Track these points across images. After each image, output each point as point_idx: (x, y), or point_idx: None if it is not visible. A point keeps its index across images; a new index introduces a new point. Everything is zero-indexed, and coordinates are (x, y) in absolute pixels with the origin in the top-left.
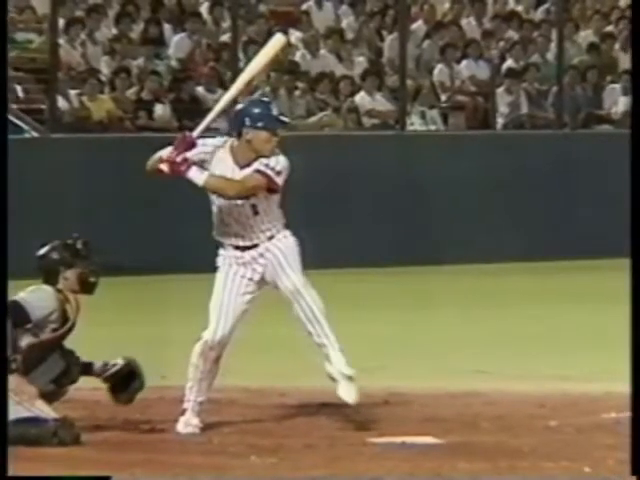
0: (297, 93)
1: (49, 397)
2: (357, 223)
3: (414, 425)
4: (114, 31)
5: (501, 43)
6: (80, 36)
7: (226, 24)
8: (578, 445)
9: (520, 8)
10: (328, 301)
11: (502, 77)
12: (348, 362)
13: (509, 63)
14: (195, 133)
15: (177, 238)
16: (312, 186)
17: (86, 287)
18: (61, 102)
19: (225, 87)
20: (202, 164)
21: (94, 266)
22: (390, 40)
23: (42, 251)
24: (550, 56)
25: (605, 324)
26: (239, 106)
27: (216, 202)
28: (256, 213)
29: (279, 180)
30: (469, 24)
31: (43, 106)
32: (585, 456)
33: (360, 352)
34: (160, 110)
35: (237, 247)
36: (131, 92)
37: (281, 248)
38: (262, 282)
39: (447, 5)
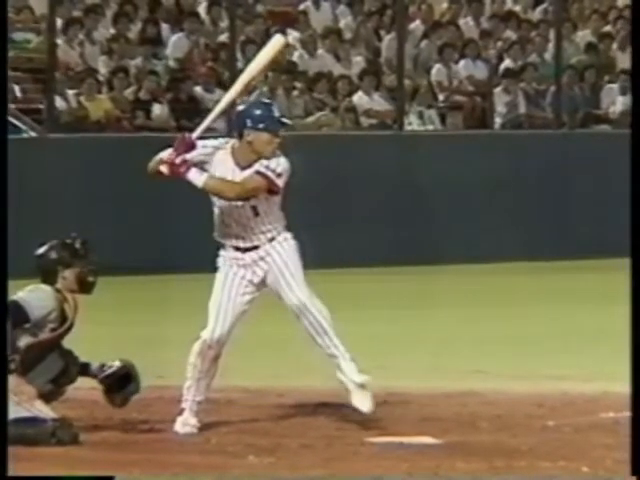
0: (295, 93)
1: (47, 397)
2: (355, 223)
3: (412, 425)
4: (112, 31)
5: (499, 43)
6: (78, 36)
7: (224, 24)
8: (576, 445)
9: (518, 8)
10: (327, 301)
11: (500, 77)
12: (360, 370)
13: (507, 63)
14: (195, 134)
15: (175, 238)
16: (310, 186)
17: (84, 287)
18: (59, 102)
19: (223, 87)
20: (202, 165)
21: (92, 266)
22: (388, 40)
23: (40, 250)
24: (548, 56)
25: (604, 324)
26: (240, 107)
27: (217, 203)
28: (256, 214)
29: (280, 182)
30: (467, 24)
31: (41, 106)
32: (583, 456)
33: (359, 352)
34: (158, 110)
35: (237, 248)
36: (129, 92)
37: (282, 255)
38: (262, 284)
39: (445, 5)
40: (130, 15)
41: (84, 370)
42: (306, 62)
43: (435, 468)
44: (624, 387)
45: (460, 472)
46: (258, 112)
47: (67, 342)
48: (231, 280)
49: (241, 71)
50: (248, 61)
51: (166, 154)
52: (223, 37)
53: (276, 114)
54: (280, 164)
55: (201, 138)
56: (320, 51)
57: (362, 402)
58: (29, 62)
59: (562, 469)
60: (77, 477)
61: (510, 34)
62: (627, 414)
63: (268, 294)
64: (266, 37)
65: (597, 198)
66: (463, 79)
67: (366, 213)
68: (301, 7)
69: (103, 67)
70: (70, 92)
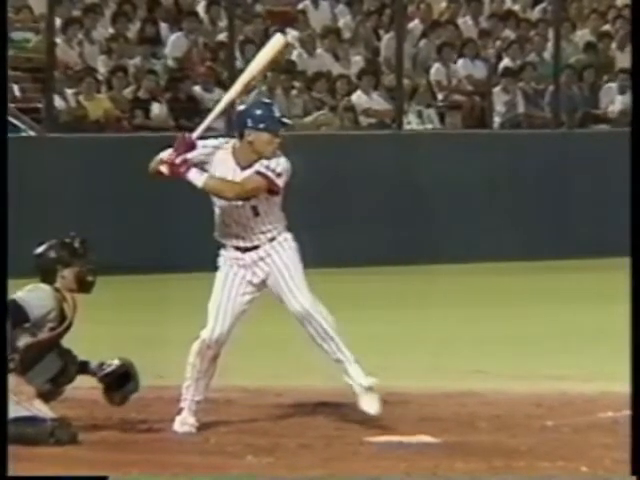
0: (294, 92)
1: (46, 396)
2: (354, 223)
3: (412, 425)
4: (111, 30)
5: (498, 42)
6: (77, 35)
7: (223, 23)
8: (575, 445)
9: (517, 7)
10: (326, 301)
11: (499, 76)
12: (366, 372)
13: (506, 62)
14: (195, 134)
15: (175, 237)
16: (309, 186)
17: (84, 286)
18: (58, 101)
19: (222, 86)
20: (202, 165)
21: (91, 265)
22: (387, 39)
23: (39, 250)
24: (547, 55)
25: (603, 324)
26: (241, 107)
27: (217, 203)
28: (257, 214)
29: (280, 182)
30: (466, 23)
31: (40, 105)
32: (582, 456)
33: (358, 352)
34: (157, 109)
35: (238, 248)
36: (128, 91)
37: (283, 258)
38: (262, 285)
39: (444, 4)
40: (129, 14)
41: (83, 368)
42: (305, 61)
43: (434, 468)
44: (623, 387)
45: (459, 472)
46: (259, 112)
47: (66, 341)
48: (231, 280)
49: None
50: (247, 61)
51: (166, 154)
52: (222, 36)
53: (277, 114)
54: (280, 164)
55: (201, 138)
56: (319, 50)
57: (370, 405)
58: (28, 61)
59: (561, 469)
60: (76, 477)
61: (509, 33)
62: (626, 414)
63: (268, 294)
64: (265, 36)
65: (596, 198)
66: (462, 78)
67: (365, 213)
68: (300, 6)
69: (102, 66)
70: (69, 91)
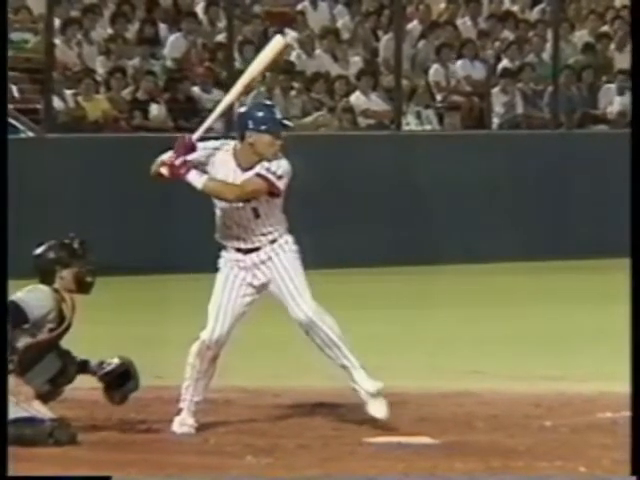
0: (292, 93)
1: (45, 397)
2: (352, 223)
3: (410, 425)
4: (109, 31)
5: (497, 43)
6: (76, 36)
7: (222, 24)
8: (573, 445)
9: (515, 8)
10: (325, 301)
11: (497, 77)
12: (372, 376)
13: (504, 63)
14: (195, 136)
15: (175, 238)
16: (307, 186)
17: (82, 287)
18: (56, 102)
19: (220, 87)
20: (202, 167)
21: (90, 266)
22: (385, 40)
23: (38, 250)
24: (546, 56)
25: (602, 324)
26: (242, 109)
27: (218, 205)
28: (257, 216)
29: (280, 184)
30: (464, 24)
31: (39, 106)
32: (580, 456)
33: (357, 352)
34: (155, 110)
35: (239, 250)
36: (126, 92)
37: (284, 263)
38: (262, 288)
39: (442, 5)
40: (128, 15)
41: (83, 367)
42: (304, 62)
43: (432, 468)
44: (621, 387)
45: (457, 472)
46: (260, 114)
47: (66, 342)
48: (232, 282)
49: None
50: (245, 61)
51: (167, 156)
52: (221, 37)
53: (278, 116)
54: (281, 166)
55: (201, 139)
56: (318, 51)
57: (378, 410)
58: (27, 62)
59: (559, 469)
60: (78, 477)
61: (508, 34)
62: (624, 414)
63: (268, 296)
64: (264, 37)
65: (595, 198)
66: (461, 79)
67: (364, 213)
68: (299, 7)
69: (101, 67)
70: (68, 92)
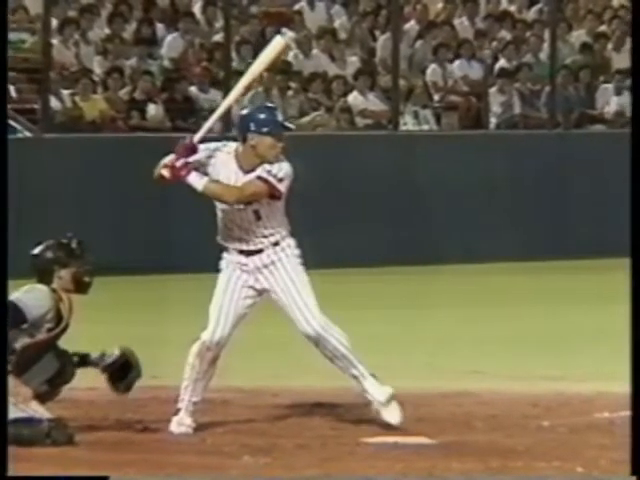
0: (290, 93)
1: (43, 397)
2: (350, 223)
3: (408, 425)
4: (107, 31)
5: (494, 43)
6: (73, 36)
7: (219, 24)
8: (571, 445)
9: (513, 8)
10: (325, 301)
11: (495, 77)
12: (382, 383)
13: (502, 63)
14: (196, 138)
15: (175, 238)
16: (304, 186)
17: (80, 286)
18: (54, 102)
19: (218, 87)
20: (203, 168)
21: (88, 265)
22: (383, 40)
23: (36, 250)
24: (543, 56)
25: (601, 324)
26: (244, 111)
27: (219, 207)
28: (259, 218)
29: (281, 187)
30: (462, 24)
31: (36, 106)
32: (578, 456)
33: (357, 351)
34: (153, 110)
35: (241, 252)
36: (124, 92)
37: (288, 269)
38: (264, 291)
39: (440, 5)
40: (125, 15)
41: (84, 361)
42: (301, 62)
43: (430, 468)
44: (619, 387)
45: (455, 472)
46: (262, 116)
47: (66, 341)
48: (234, 284)
49: (236, 71)
50: (243, 61)
51: (168, 158)
52: (218, 37)
53: (279, 118)
54: (282, 169)
55: (202, 141)
56: (315, 51)
57: (391, 416)
58: (24, 62)
59: (557, 469)
60: (77, 477)
61: (505, 34)
62: (622, 414)
63: (273, 305)
64: (261, 37)
65: (594, 198)
66: (458, 79)
67: (362, 213)
68: (296, 7)
69: (98, 67)
70: (65, 92)
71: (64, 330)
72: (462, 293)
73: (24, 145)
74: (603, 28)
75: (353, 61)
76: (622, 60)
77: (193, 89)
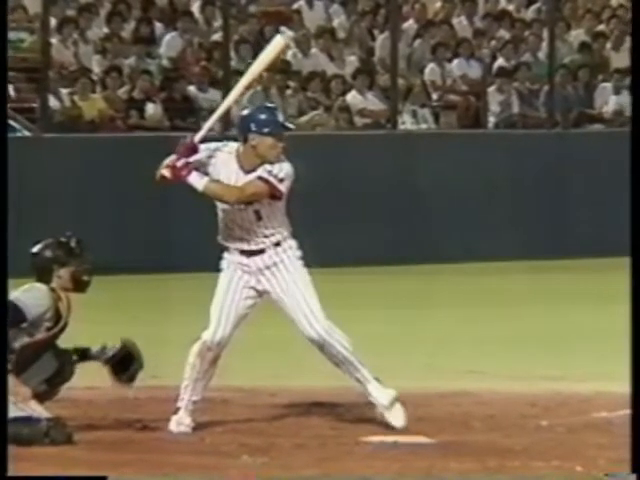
0: (288, 92)
1: (42, 397)
2: (349, 222)
3: (407, 424)
4: (105, 30)
5: (492, 42)
6: (72, 35)
7: (217, 23)
8: (569, 444)
9: (511, 7)
10: (324, 301)
11: (493, 76)
12: (385, 385)
13: (500, 62)
14: (197, 138)
15: (175, 237)
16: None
17: (79, 285)
18: (53, 101)
19: (217, 86)
20: (204, 168)
21: (87, 264)
22: (381, 39)
23: (35, 249)
24: (541, 55)
25: (601, 324)
26: (245, 112)
27: (220, 207)
28: (259, 218)
29: (282, 187)
30: (460, 23)
31: (35, 105)
32: (576, 455)
33: (356, 351)
34: (152, 109)
35: (242, 252)
36: (123, 91)
37: (290, 271)
38: (265, 292)
39: (438, 4)
40: (124, 14)
41: (85, 355)
42: (300, 61)
43: (428, 468)
44: (618, 387)
45: (453, 472)
46: (263, 116)
47: (65, 341)
48: (235, 284)
49: (235, 70)
50: (242, 60)
51: (170, 159)
52: (217, 36)
53: (280, 118)
54: (283, 169)
55: (202, 140)
56: (314, 50)
57: (395, 419)
58: (23, 61)
59: (555, 469)
60: (76, 477)
61: (503, 33)
62: (620, 413)
63: (276, 307)
64: (260, 36)
65: (592, 197)
66: (457, 78)
67: (361, 213)
68: (294, 6)
69: (97, 66)
70: (64, 91)
71: (63, 329)
72: (462, 293)
73: (23, 144)
74: (602, 27)
75: (352, 60)
76: (621, 59)
77: (192, 88)
